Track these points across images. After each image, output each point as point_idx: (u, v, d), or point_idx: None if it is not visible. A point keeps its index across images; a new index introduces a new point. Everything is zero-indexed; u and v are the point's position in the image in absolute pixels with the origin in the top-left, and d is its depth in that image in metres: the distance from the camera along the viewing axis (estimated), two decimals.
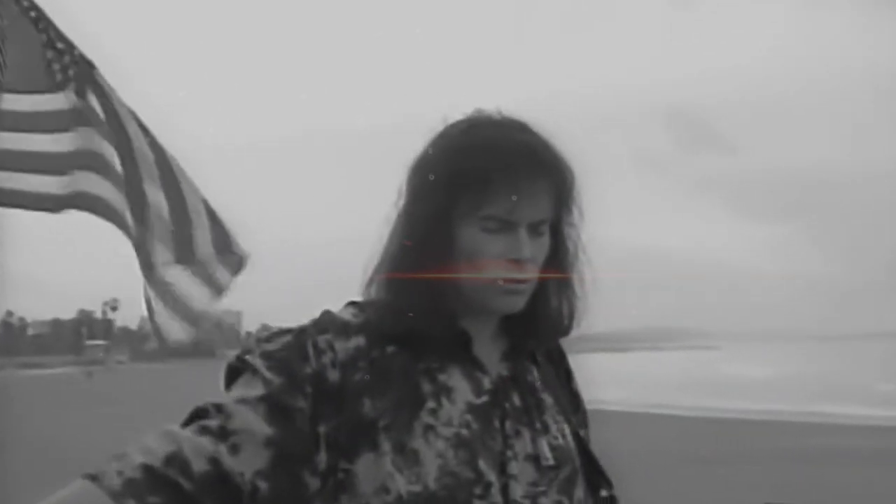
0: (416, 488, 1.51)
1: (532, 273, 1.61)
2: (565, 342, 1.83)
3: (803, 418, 33.47)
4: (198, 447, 1.46)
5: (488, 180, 1.56)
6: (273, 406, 1.51)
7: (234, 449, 1.48)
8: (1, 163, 3.87)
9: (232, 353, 1.62)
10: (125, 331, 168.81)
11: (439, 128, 1.65)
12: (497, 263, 1.58)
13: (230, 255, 4.11)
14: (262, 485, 1.48)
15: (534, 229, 1.60)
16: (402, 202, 1.65)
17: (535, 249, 1.60)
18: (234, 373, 1.58)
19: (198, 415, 1.52)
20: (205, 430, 1.48)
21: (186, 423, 1.51)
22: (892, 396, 41.12)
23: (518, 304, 1.62)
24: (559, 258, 1.67)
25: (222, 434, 1.48)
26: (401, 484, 1.51)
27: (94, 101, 3.89)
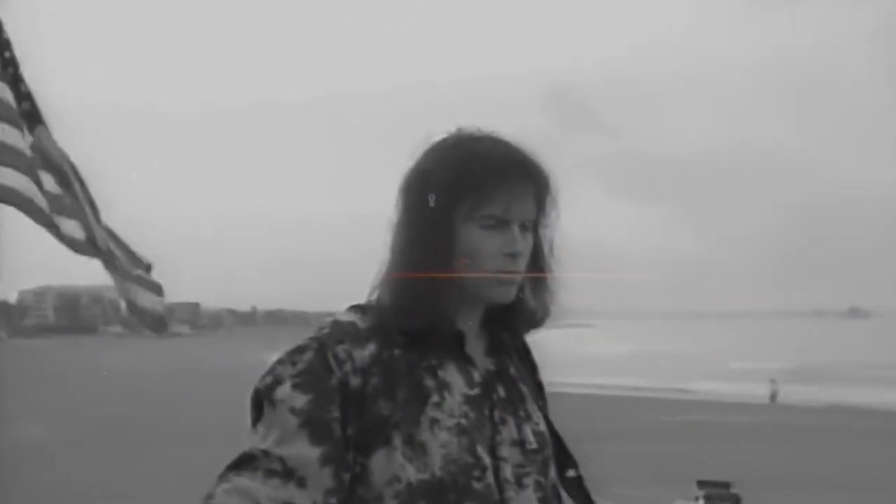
0: (425, 476, 1.64)
1: (522, 266, 1.77)
2: None
3: (667, 395, 36.42)
4: (272, 495, 1.59)
5: (486, 185, 1.72)
6: (314, 426, 1.64)
7: (301, 482, 1.61)
8: None
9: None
10: (4, 305, 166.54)
11: (426, 145, 1.79)
12: (495, 257, 1.73)
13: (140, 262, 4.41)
14: (332, 500, 1.63)
15: (523, 227, 1.76)
16: (400, 211, 1.79)
17: (524, 245, 1.76)
18: (262, 396, 1.70)
19: (245, 460, 1.64)
20: (271, 474, 1.60)
21: (235, 468, 1.63)
22: (741, 373, 44.74)
23: (512, 293, 1.78)
24: (536, 255, 1.81)
25: (286, 473, 1.61)
26: (411, 473, 1.64)
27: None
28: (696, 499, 2.82)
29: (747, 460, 15.97)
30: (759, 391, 33.49)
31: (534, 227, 1.79)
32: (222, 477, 1.63)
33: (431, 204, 1.74)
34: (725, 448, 18.59)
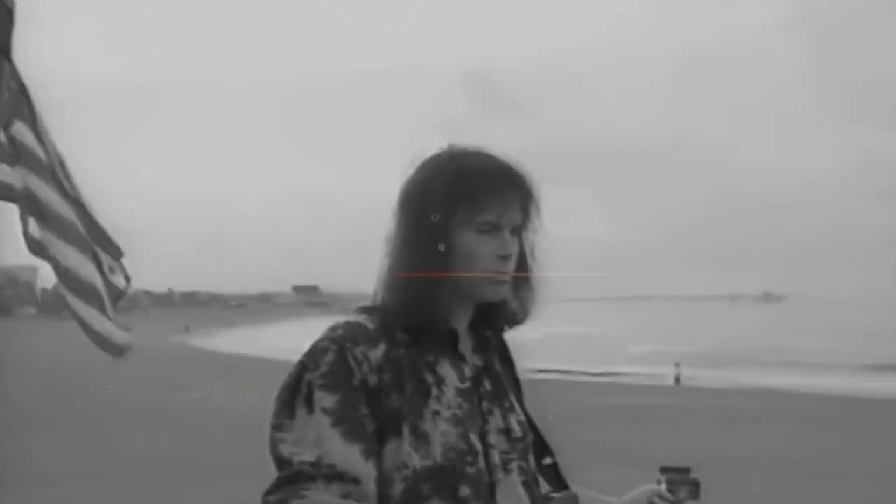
0: (427, 463, 1.83)
1: (512, 267, 1.95)
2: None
3: (578, 378, 36.92)
4: (340, 493, 1.77)
5: (481, 194, 1.91)
6: (347, 424, 1.80)
7: (357, 480, 1.78)
8: None
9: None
10: None
11: (417, 161, 1.98)
12: (489, 259, 1.91)
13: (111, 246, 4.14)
14: (373, 486, 1.82)
15: (512, 231, 1.94)
16: (400, 219, 1.96)
17: (514, 248, 1.94)
18: (292, 387, 1.87)
19: (300, 477, 1.77)
20: (329, 480, 1.77)
21: (290, 483, 1.77)
22: (650, 357, 45.50)
23: (504, 292, 1.96)
24: (520, 258, 1.98)
25: (341, 476, 1.77)
26: (416, 461, 1.83)
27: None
28: (659, 483, 2.93)
29: (651, 441, 16.26)
30: (667, 374, 34.14)
31: (519, 231, 1.98)
32: (285, 498, 1.78)
33: (433, 213, 1.91)
34: (633, 430, 19.07)
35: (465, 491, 1.87)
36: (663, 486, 2.63)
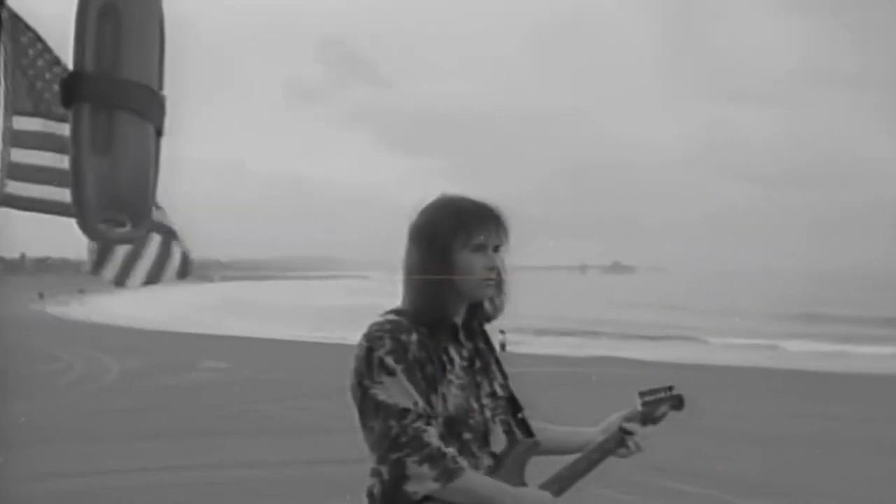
0: (445, 413, 2.64)
1: (496, 275, 2.77)
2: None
3: None
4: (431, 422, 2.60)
5: (473, 225, 2.73)
6: (413, 383, 2.60)
7: (430, 415, 2.61)
8: (15, 174, 4.36)
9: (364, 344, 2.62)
10: None
11: (420, 206, 2.80)
12: (481, 270, 2.74)
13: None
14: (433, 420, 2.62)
15: (496, 250, 2.77)
16: (415, 246, 2.75)
17: (496, 261, 2.77)
18: (369, 360, 2.61)
19: (404, 414, 2.55)
20: (423, 415, 2.58)
21: (414, 420, 2.56)
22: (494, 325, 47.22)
23: (492, 292, 2.79)
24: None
25: (425, 413, 2.59)
26: (440, 410, 2.63)
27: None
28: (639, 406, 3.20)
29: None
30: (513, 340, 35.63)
31: (498, 249, 2.78)
32: (416, 441, 2.54)
33: (441, 239, 2.71)
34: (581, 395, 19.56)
35: (467, 436, 2.68)
36: (639, 408, 3.26)
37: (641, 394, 3.24)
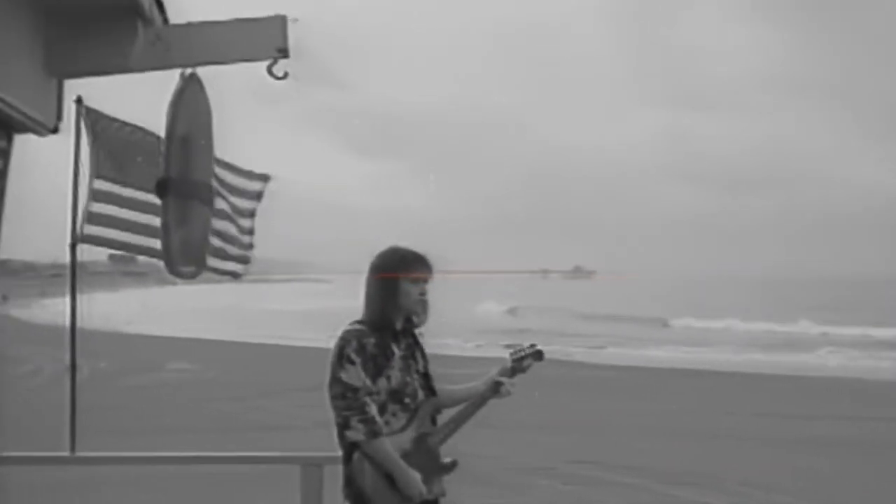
0: (389, 387, 4.25)
1: (426, 299, 4.40)
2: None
3: None
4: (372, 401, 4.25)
5: (413, 264, 4.36)
6: (367, 370, 4.20)
7: (375, 392, 4.24)
8: (92, 220, 6.03)
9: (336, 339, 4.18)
10: None
11: (376, 252, 4.44)
12: (416, 295, 4.36)
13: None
14: (376, 398, 4.28)
15: (424, 282, 4.40)
16: (370, 278, 4.37)
17: (425, 290, 4.41)
18: (341, 354, 4.20)
19: (358, 392, 4.17)
20: (371, 392, 4.23)
21: (358, 394, 4.19)
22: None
23: (420, 310, 4.42)
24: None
25: (371, 391, 4.21)
26: (386, 386, 4.23)
27: None
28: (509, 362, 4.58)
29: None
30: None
31: (426, 281, 4.41)
32: (359, 408, 4.17)
33: (391, 274, 4.33)
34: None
35: (406, 400, 4.30)
36: (509, 361, 4.44)
37: (511, 353, 4.32)
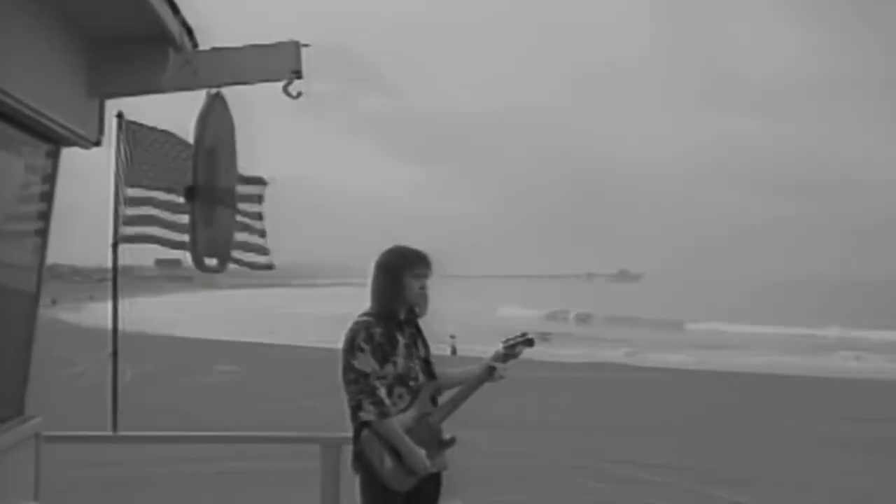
0: (396, 371, 4.80)
1: (427, 293, 4.97)
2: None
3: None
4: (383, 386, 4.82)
5: (415, 261, 4.91)
6: (375, 357, 4.75)
7: (383, 376, 4.79)
8: (126, 222, 6.70)
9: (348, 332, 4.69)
10: None
11: (381, 251, 4.97)
12: (418, 289, 4.90)
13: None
14: (385, 383, 4.85)
15: (425, 277, 4.95)
16: (376, 274, 4.91)
17: (426, 285, 4.96)
18: (352, 343, 4.75)
19: (369, 376, 4.72)
20: (381, 377, 4.77)
21: (367, 378, 4.73)
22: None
23: (421, 302, 4.95)
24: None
25: (381, 375, 4.77)
26: (393, 370, 4.79)
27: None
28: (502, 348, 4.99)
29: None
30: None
31: (428, 277, 4.92)
32: (370, 392, 4.68)
33: (395, 269, 4.83)
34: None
35: (411, 383, 4.79)
36: (501, 350, 4.80)
37: (503, 340, 4.73)
